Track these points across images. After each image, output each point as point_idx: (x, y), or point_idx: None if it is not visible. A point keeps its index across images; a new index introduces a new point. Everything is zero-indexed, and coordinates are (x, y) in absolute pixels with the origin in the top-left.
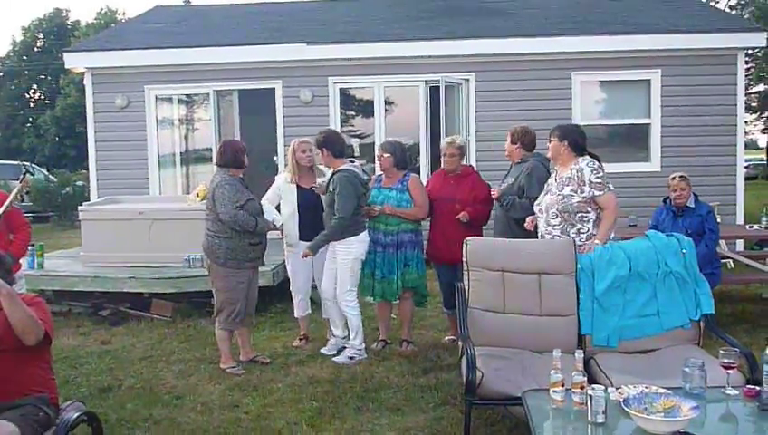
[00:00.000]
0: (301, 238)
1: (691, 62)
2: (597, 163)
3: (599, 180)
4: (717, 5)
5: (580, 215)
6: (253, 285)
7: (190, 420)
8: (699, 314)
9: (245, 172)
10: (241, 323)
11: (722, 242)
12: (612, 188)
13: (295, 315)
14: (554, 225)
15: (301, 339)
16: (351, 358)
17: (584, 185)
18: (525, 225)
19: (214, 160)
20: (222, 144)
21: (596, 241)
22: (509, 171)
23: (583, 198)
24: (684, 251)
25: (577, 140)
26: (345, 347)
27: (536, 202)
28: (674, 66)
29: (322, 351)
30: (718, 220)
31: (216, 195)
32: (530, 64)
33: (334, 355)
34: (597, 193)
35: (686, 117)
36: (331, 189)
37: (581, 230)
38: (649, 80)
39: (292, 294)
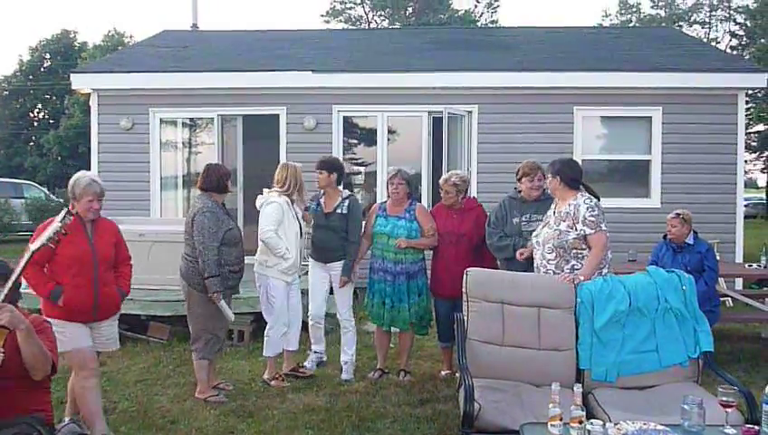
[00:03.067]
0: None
1: (692, 100)
2: (595, 201)
3: (592, 218)
4: (719, 45)
5: (575, 251)
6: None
7: None
8: (698, 351)
9: (229, 197)
10: (219, 352)
11: (721, 280)
12: (605, 228)
13: (291, 349)
14: (549, 259)
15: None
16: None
17: (578, 222)
18: (516, 255)
19: (198, 184)
20: (206, 168)
21: (580, 277)
22: (524, 208)
23: (577, 235)
24: (684, 288)
25: (569, 175)
26: (323, 360)
27: (534, 234)
28: (675, 104)
29: (305, 364)
30: (717, 258)
31: (196, 221)
32: (532, 98)
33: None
34: (588, 231)
35: (686, 154)
36: (342, 212)
37: (576, 267)
38: (651, 117)
39: (286, 328)
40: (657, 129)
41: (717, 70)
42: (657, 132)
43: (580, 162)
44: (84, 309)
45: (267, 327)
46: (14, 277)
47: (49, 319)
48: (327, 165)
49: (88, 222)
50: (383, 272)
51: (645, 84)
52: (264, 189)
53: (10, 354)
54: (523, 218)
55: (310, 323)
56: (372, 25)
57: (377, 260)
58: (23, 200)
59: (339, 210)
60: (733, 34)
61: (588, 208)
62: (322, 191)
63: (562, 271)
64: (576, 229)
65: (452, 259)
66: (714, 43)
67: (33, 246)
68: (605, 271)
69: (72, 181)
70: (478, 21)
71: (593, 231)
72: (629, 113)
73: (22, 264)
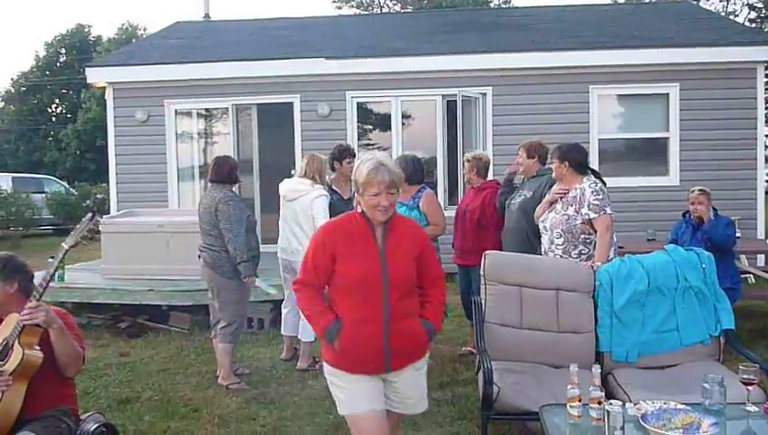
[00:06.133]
0: None
1: (710, 75)
2: (599, 185)
3: (597, 202)
4: (736, 19)
5: (583, 236)
6: None
7: (207, 433)
8: (719, 329)
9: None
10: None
11: (742, 257)
12: (609, 211)
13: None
14: (558, 244)
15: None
16: None
17: (583, 207)
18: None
19: (209, 177)
20: (216, 161)
21: (597, 263)
22: (522, 185)
23: (583, 219)
24: (703, 266)
25: (577, 160)
26: None
27: (541, 219)
28: (692, 80)
29: None
30: (738, 235)
31: (220, 210)
32: (547, 78)
33: None
34: (593, 215)
35: (704, 131)
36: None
37: (583, 252)
38: (668, 93)
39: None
40: (674, 105)
41: (735, 43)
42: (675, 109)
43: (596, 142)
44: (368, 356)
45: None
46: (48, 276)
47: (328, 366)
48: (353, 153)
49: (378, 226)
50: None
51: (661, 61)
52: (295, 179)
53: (43, 351)
54: (517, 193)
55: None
56: (384, 10)
57: None
58: (43, 195)
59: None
60: (751, 7)
61: (593, 193)
62: (332, 177)
63: (570, 256)
64: (581, 214)
65: (459, 233)
66: (731, 17)
67: (65, 245)
68: (611, 254)
69: (354, 168)
70: (491, 1)
71: (597, 215)
72: (646, 91)
73: (56, 262)
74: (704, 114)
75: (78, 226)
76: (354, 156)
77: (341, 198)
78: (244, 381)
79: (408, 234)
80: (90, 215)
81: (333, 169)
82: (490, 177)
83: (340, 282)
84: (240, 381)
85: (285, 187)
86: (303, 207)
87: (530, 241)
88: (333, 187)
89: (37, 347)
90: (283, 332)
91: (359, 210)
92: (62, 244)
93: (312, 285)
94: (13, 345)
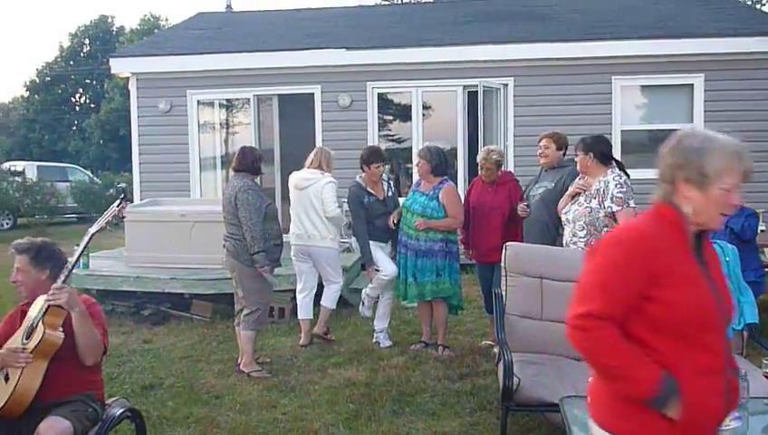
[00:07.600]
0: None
1: (735, 66)
2: (624, 178)
3: (620, 195)
4: (763, 8)
5: (606, 229)
6: None
7: (229, 420)
8: (742, 323)
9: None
10: (264, 324)
11: (766, 250)
12: (633, 205)
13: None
14: (580, 236)
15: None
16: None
17: (606, 199)
18: (518, 211)
19: (232, 166)
20: (241, 151)
21: None
22: (541, 176)
23: (605, 212)
24: (727, 259)
25: (602, 151)
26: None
27: (564, 211)
28: (718, 70)
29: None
30: (763, 228)
31: (239, 199)
32: (569, 69)
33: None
34: (615, 208)
35: (729, 122)
36: (391, 194)
37: None
38: (692, 84)
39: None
40: (698, 96)
41: (761, 34)
42: (699, 100)
43: (619, 133)
44: (710, 425)
45: (333, 289)
46: (74, 259)
47: None
48: (384, 157)
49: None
50: (400, 245)
51: (686, 51)
52: (304, 170)
53: (67, 335)
54: (536, 184)
55: (384, 297)
56: (405, 0)
57: (401, 234)
58: (68, 184)
59: (389, 193)
60: None
61: (617, 185)
62: (362, 176)
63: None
64: (604, 207)
65: (485, 230)
66: (758, 6)
67: (91, 230)
68: None
69: (681, 146)
70: None
71: (620, 208)
72: (670, 81)
73: (81, 246)
74: (729, 105)
75: (106, 211)
76: (384, 160)
77: (378, 199)
78: (265, 369)
79: (712, 249)
80: (118, 201)
81: (363, 170)
82: (505, 167)
83: (662, 315)
84: (261, 368)
85: (296, 177)
86: (316, 192)
87: (551, 232)
88: (368, 189)
89: (60, 329)
90: (299, 316)
91: (682, 209)
92: (89, 229)
93: (614, 318)
94: (37, 325)
